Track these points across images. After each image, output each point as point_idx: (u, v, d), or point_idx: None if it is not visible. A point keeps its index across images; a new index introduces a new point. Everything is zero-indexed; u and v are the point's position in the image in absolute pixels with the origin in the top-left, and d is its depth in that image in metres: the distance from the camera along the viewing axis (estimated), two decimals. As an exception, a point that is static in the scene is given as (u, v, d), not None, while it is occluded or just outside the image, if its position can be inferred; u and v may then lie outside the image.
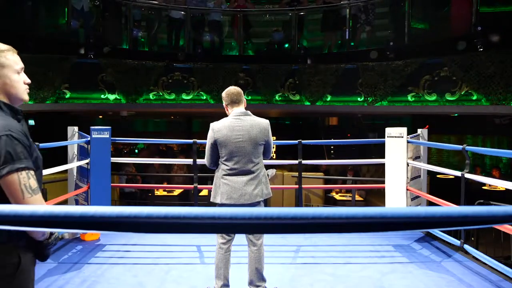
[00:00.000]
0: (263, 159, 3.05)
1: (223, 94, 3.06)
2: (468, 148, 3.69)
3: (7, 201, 1.39)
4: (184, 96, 8.09)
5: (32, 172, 1.42)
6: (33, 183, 1.41)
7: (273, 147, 3.14)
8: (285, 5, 9.00)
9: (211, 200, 3.02)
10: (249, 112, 3.01)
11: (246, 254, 3.99)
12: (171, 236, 4.43)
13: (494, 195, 7.44)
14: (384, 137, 4.72)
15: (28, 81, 1.55)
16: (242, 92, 3.09)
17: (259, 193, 2.94)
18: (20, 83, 1.51)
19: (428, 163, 5.10)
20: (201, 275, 3.49)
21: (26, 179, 1.39)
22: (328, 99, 8.01)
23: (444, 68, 7.01)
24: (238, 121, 2.94)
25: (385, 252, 4.09)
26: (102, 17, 8.58)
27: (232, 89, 3.06)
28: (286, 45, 9.15)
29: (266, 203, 7.04)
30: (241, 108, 3.02)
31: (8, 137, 1.38)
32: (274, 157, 11.83)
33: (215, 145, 2.92)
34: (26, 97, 1.54)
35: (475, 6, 6.83)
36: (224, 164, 2.92)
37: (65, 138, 4.72)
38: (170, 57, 8.16)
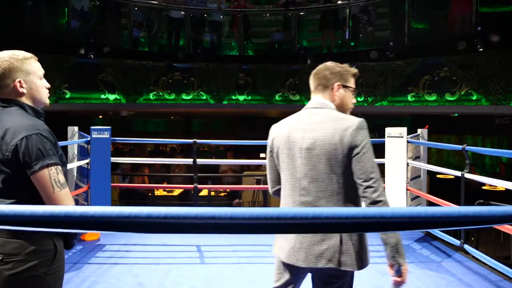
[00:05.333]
0: (366, 198, 1.65)
1: None
2: (468, 148, 3.69)
3: (36, 197, 1.49)
4: (184, 96, 8.09)
5: (60, 167, 1.52)
6: (62, 178, 1.52)
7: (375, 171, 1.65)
8: (281, 6, 9.00)
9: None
10: (328, 103, 1.79)
11: (247, 254, 4.00)
12: (171, 236, 4.43)
13: (494, 195, 7.44)
14: (384, 137, 4.72)
15: (48, 85, 1.66)
16: (325, 69, 1.85)
17: (327, 254, 1.66)
18: (43, 88, 1.63)
19: (428, 163, 5.10)
20: (201, 275, 3.49)
21: (56, 174, 1.49)
22: (328, 99, 8.00)
23: (444, 68, 7.01)
24: (304, 115, 1.80)
25: (385, 252, 4.08)
26: (102, 17, 8.59)
27: (316, 68, 1.91)
28: (284, 46, 9.16)
29: (266, 202, 7.05)
30: (317, 96, 1.83)
31: (37, 135, 1.48)
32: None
33: (271, 154, 1.88)
34: (48, 101, 1.66)
35: (475, 6, 6.84)
36: (282, 187, 1.86)
37: (65, 138, 4.72)
38: (170, 57, 8.16)
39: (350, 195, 1.67)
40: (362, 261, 1.73)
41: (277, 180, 1.89)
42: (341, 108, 1.80)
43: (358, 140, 1.63)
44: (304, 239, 1.68)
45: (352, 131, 1.64)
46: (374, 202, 1.61)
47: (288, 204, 1.78)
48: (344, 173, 1.65)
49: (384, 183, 4.75)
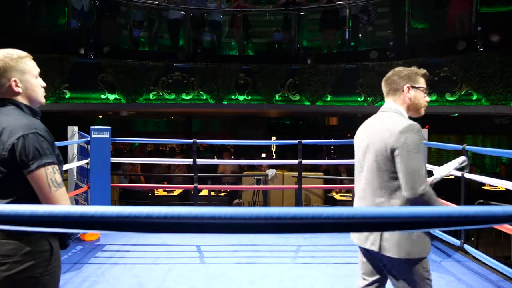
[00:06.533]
0: (405, 194, 1.78)
1: None
2: (468, 148, 3.69)
3: (32, 196, 1.48)
4: (184, 96, 8.09)
5: (57, 166, 1.52)
6: (58, 177, 1.51)
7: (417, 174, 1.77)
8: (281, 6, 9.00)
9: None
10: (394, 106, 1.96)
11: (247, 254, 4.01)
12: (171, 236, 4.44)
13: (494, 195, 7.44)
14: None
15: (44, 84, 1.66)
16: (393, 74, 2.00)
17: (371, 237, 1.87)
18: (39, 87, 1.63)
19: (428, 163, 5.09)
20: (201, 275, 3.49)
21: (52, 173, 1.49)
22: (328, 99, 8.01)
23: (444, 68, 7.00)
24: (372, 118, 2.03)
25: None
26: (102, 17, 8.58)
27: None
28: (284, 46, 9.17)
29: (266, 202, 7.06)
30: (388, 100, 2.01)
31: (34, 135, 1.48)
32: (274, 157, 11.85)
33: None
34: (44, 100, 1.66)
35: (475, 6, 6.83)
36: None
37: (65, 138, 4.72)
38: (170, 57, 8.16)
39: (395, 191, 1.82)
40: (406, 251, 1.80)
41: None
42: (414, 107, 1.96)
43: (400, 142, 1.77)
44: None
45: (396, 134, 1.79)
46: (405, 201, 1.78)
47: (356, 196, 2.02)
48: (389, 171, 1.81)
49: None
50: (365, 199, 1.91)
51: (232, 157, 9.85)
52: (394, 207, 1.64)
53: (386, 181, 1.82)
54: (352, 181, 8.10)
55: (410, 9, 7.71)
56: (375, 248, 1.84)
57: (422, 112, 1.99)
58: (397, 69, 2.01)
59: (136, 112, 10.22)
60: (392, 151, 1.79)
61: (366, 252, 1.99)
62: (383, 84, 2.03)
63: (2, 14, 7.55)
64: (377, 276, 1.98)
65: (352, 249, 4.21)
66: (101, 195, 4.43)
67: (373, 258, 1.97)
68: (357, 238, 1.95)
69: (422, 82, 1.97)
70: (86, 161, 4.52)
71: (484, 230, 5.51)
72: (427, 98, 1.99)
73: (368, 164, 1.89)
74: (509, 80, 6.35)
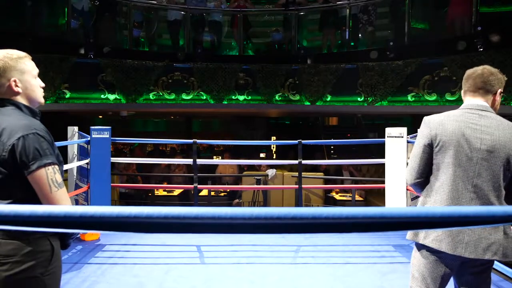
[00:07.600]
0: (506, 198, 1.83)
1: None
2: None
3: (32, 197, 1.48)
4: (184, 96, 8.08)
5: (57, 167, 1.52)
6: (59, 177, 1.51)
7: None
8: (281, 6, 9.00)
9: (409, 236, 1.93)
10: (489, 107, 1.89)
11: (247, 254, 4.01)
12: (171, 236, 4.44)
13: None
14: (384, 137, 4.72)
15: (43, 84, 1.66)
16: (490, 74, 1.92)
17: (493, 247, 1.76)
18: (38, 87, 1.63)
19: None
20: (201, 275, 3.49)
21: (53, 173, 1.49)
22: (328, 99, 8.01)
23: (444, 68, 7.00)
24: (474, 116, 1.85)
25: (385, 252, 4.09)
26: (102, 17, 8.58)
27: (474, 70, 1.99)
28: (284, 46, 9.17)
29: (266, 202, 7.05)
30: (478, 99, 1.90)
31: (34, 135, 1.48)
32: (275, 157, 11.85)
33: (429, 147, 1.89)
34: (43, 100, 1.66)
35: (475, 6, 6.84)
36: (436, 183, 1.86)
37: (65, 138, 4.72)
38: (170, 57, 8.16)
39: (502, 194, 1.80)
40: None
41: (425, 173, 1.90)
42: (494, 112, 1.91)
43: None
44: (473, 232, 1.75)
45: None
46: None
47: (452, 199, 1.81)
48: (508, 176, 1.79)
49: (385, 184, 4.76)
50: (471, 200, 1.79)
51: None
52: (394, 207, 1.65)
53: (508, 185, 1.80)
54: (352, 182, 8.10)
55: (410, 9, 7.72)
56: (497, 256, 1.76)
57: None
58: (493, 70, 1.93)
59: (136, 112, 10.22)
60: None
61: (452, 260, 1.84)
62: (472, 78, 1.94)
63: (2, 14, 7.55)
64: (441, 282, 1.90)
65: (352, 249, 4.22)
66: (101, 195, 4.44)
67: (453, 265, 1.87)
68: (473, 251, 1.76)
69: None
70: (86, 161, 4.52)
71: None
72: None
73: (493, 168, 1.77)
74: (509, 80, 6.35)
